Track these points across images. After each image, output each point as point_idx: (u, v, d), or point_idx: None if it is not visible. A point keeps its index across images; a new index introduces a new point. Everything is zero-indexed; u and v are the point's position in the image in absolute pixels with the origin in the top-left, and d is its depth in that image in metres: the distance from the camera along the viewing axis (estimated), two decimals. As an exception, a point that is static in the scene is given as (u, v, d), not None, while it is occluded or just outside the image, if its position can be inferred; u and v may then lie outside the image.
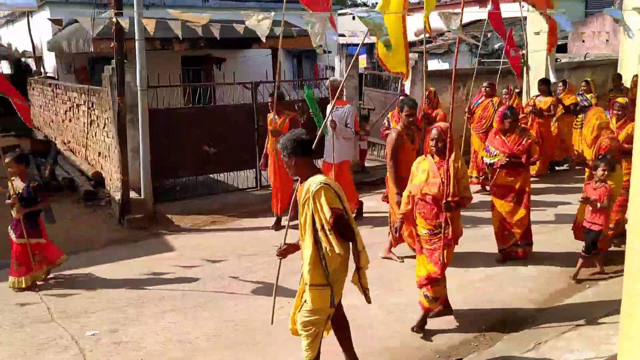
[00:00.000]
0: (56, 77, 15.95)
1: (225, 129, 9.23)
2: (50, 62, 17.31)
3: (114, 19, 7.31)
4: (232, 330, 4.93)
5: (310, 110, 6.81)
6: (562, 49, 18.63)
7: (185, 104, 10.89)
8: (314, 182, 3.67)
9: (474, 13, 19.15)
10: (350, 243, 3.75)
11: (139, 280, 6.11)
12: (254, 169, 9.56)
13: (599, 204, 5.55)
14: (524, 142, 6.09)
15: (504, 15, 10.32)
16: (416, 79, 10.73)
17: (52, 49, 15.71)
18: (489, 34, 18.09)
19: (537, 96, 10.01)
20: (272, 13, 4.80)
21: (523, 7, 10.06)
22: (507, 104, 9.06)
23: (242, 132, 9.34)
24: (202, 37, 12.18)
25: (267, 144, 7.65)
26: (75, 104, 11.48)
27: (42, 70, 17.78)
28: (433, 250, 4.69)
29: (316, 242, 3.67)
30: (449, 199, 4.58)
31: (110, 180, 9.33)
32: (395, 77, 11.46)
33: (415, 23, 21.88)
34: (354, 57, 6.38)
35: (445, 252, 4.63)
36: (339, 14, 20.97)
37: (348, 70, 6.49)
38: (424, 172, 4.74)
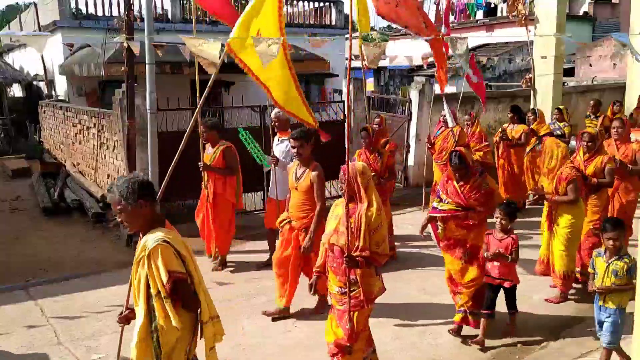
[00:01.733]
0: (67, 100, 16.14)
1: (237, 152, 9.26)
2: (61, 86, 17.53)
3: (125, 44, 7.44)
4: (242, 354, 4.90)
5: (248, 148, 6.60)
6: (570, 72, 18.71)
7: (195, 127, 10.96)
8: (152, 238, 3.08)
9: (480, 38, 19.30)
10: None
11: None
12: (261, 191, 9.58)
13: (509, 258, 4.89)
14: (482, 191, 5.01)
15: (512, 39, 10.39)
16: (423, 103, 10.78)
17: (63, 73, 15.93)
18: (496, 58, 18.19)
19: (508, 124, 9.50)
20: (281, 38, 4.85)
21: (530, 31, 10.14)
22: (470, 132, 8.94)
23: (249, 154, 9.36)
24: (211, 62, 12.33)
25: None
26: (85, 127, 11.60)
27: (53, 93, 18.01)
28: (343, 312, 3.98)
29: (150, 310, 3.08)
30: (356, 253, 3.88)
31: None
32: (403, 101, 11.53)
33: (421, 48, 22.02)
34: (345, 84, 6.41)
35: (355, 315, 3.93)
36: (346, 38, 21.15)
37: (345, 92, 6.52)
38: (336, 218, 4.05)
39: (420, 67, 20.61)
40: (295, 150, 5.44)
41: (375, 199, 3.96)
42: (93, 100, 15.87)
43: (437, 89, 11.20)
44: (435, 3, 27.52)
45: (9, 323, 5.62)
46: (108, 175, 10.21)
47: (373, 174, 6.28)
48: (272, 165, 6.64)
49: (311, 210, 5.40)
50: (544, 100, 10.87)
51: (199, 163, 6.87)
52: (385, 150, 7.04)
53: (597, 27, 23.19)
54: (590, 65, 19.27)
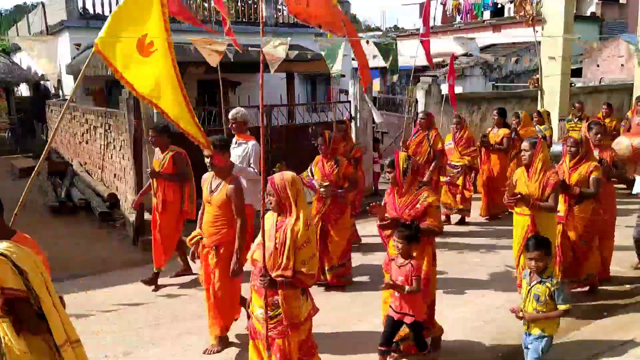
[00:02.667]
0: (74, 100, 16.19)
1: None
2: (68, 85, 17.60)
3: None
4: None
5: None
6: (577, 73, 18.63)
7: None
8: None
9: (487, 37, 19.25)
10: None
11: (153, 302, 6.11)
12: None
13: (406, 288, 4.20)
14: (419, 204, 4.47)
15: (519, 39, 10.35)
16: (430, 103, 10.77)
17: (70, 72, 15.99)
18: (503, 58, 18.15)
19: (492, 128, 9.32)
20: (288, 39, 4.86)
21: (537, 32, 10.11)
22: (458, 136, 8.67)
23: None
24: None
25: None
26: (92, 126, 11.64)
27: (60, 93, 18.09)
28: (263, 335, 3.67)
29: None
30: (278, 271, 3.55)
31: (126, 201, 9.40)
32: (409, 101, 11.50)
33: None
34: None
35: (281, 342, 3.61)
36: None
37: (336, 96, 6.50)
38: (267, 232, 3.68)
39: (426, 68, 20.59)
40: (208, 160, 4.89)
41: (304, 212, 3.61)
42: (100, 99, 15.93)
43: (443, 89, 11.18)
44: (442, 3, 27.51)
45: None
46: (115, 175, 10.23)
47: (326, 184, 6.07)
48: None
49: (225, 227, 4.87)
50: (551, 101, 10.82)
51: (147, 169, 6.48)
52: (342, 159, 6.36)
53: (605, 27, 23.08)
54: (598, 66, 19.18)
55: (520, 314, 4.01)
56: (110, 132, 10.20)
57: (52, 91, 18.69)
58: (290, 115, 11.53)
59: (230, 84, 16.80)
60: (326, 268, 6.22)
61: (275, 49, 4.14)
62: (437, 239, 7.50)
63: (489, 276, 6.57)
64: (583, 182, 5.55)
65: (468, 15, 25.25)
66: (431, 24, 27.89)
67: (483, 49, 20.75)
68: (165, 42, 4.03)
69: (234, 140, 6.46)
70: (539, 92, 10.67)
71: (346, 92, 18.70)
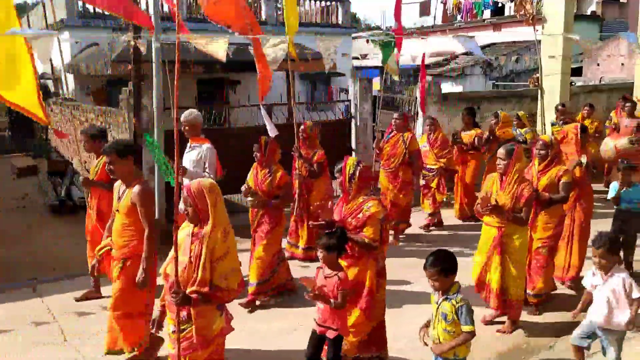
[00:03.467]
0: (74, 99, 16.20)
1: (239, 151, 9.29)
2: (68, 84, 17.60)
3: (132, 42, 7.45)
4: (245, 356, 4.90)
5: (155, 159, 6.03)
6: (577, 72, 18.63)
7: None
8: None
9: (487, 37, 19.25)
10: None
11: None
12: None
13: (332, 302, 3.86)
14: (361, 214, 4.18)
15: (519, 38, 10.32)
16: (430, 102, 10.76)
17: (70, 71, 15.99)
18: (503, 57, 18.14)
19: (462, 128, 9.00)
20: (288, 37, 4.86)
21: (537, 31, 10.09)
22: (432, 138, 8.38)
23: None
24: (217, 61, 12.35)
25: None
26: (92, 125, 11.63)
27: (60, 91, 18.08)
28: (175, 356, 3.45)
29: None
30: (193, 287, 3.32)
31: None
32: (409, 100, 11.51)
33: (428, 47, 21.99)
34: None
35: (187, 358, 3.40)
36: (353, 37, 21.17)
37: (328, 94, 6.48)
38: (181, 244, 3.48)
39: (426, 66, 20.58)
40: (107, 167, 4.57)
41: (222, 222, 3.37)
42: (100, 98, 15.93)
43: (444, 88, 11.18)
44: (442, 2, 27.49)
45: (16, 320, 5.64)
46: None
47: (250, 194, 5.66)
48: (181, 176, 5.64)
49: (134, 238, 4.45)
50: (551, 100, 10.80)
51: (80, 177, 6.13)
52: (278, 167, 5.90)
53: (605, 26, 23.08)
54: (598, 65, 19.19)
55: (424, 341, 3.68)
56: (111, 131, 10.19)
57: (52, 90, 18.67)
58: (290, 114, 11.53)
59: (230, 82, 16.82)
60: (253, 282, 5.79)
61: (275, 48, 4.13)
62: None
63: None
64: (552, 186, 5.36)
65: (468, 14, 25.26)
66: (431, 22, 27.97)
67: (483, 48, 20.75)
68: None
69: (188, 144, 6.16)
70: (539, 91, 10.65)
71: (346, 91, 18.72)
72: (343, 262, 4.13)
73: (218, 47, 4.51)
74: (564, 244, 6.03)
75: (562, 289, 6.01)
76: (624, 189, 6.16)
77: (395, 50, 8.31)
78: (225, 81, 16.68)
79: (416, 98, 10.92)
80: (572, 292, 5.92)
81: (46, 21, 17.74)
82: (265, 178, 5.84)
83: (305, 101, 18.19)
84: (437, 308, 3.58)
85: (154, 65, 7.98)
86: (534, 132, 9.25)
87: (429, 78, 11.56)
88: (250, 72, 16.09)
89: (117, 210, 4.53)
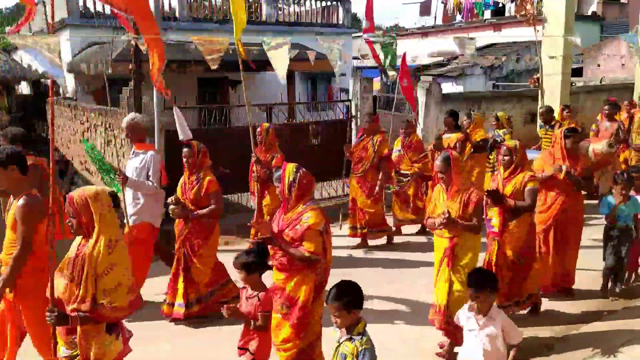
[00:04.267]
0: (74, 98, 16.21)
1: (240, 150, 9.29)
2: (69, 84, 17.61)
3: (133, 42, 7.45)
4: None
5: (97, 167, 5.72)
6: (578, 72, 18.63)
7: (201, 126, 11.02)
8: None
9: (488, 37, 19.26)
10: None
11: (152, 301, 6.10)
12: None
13: (252, 323, 3.67)
14: (298, 225, 3.86)
15: (520, 39, 10.29)
16: (430, 102, 10.77)
17: (71, 71, 15.99)
18: (504, 57, 18.14)
19: (444, 131, 8.67)
20: (289, 38, 4.86)
21: (538, 31, 10.09)
22: (407, 142, 8.04)
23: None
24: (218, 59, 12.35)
25: None
26: (92, 124, 11.64)
27: (60, 91, 18.09)
28: None
29: None
30: (74, 305, 3.07)
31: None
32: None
33: (428, 47, 22.10)
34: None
35: None
36: (354, 37, 21.18)
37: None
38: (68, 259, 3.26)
39: (427, 66, 20.59)
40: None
41: (107, 233, 3.11)
42: (100, 98, 15.92)
43: (445, 88, 11.18)
44: (443, 2, 27.46)
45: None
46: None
47: (173, 204, 5.30)
48: (121, 185, 5.55)
49: None
50: (552, 100, 10.81)
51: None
52: (207, 174, 5.47)
53: (606, 27, 23.09)
54: (599, 65, 19.18)
55: None
56: (111, 131, 10.20)
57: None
58: (290, 114, 11.54)
59: (230, 82, 16.82)
60: (193, 300, 5.51)
61: (278, 51, 4.12)
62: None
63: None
64: (518, 193, 5.05)
65: (469, 14, 25.26)
66: (431, 22, 27.98)
67: (484, 48, 20.76)
68: None
69: (132, 150, 5.91)
70: (540, 91, 10.65)
71: (347, 91, 18.78)
72: (281, 275, 3.92)
73: (219, 47, 4.49)
74: (553, 255, 5.76)
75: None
76: (622, 204, 5.70)
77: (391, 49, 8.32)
78: (226, 81, 16.69)
79: (417, 99, 10.93)
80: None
81: (47, 21, 17.76)
82: (192, 185, 5.44)
83: (306, 101, 18.21)
84: (337, 347, 3.16)
85: (154, 64, 7.98)
86: (512, 133, 9.08)
87: (429, 78, 11.56)
88: (251, 72, 16.14)
89: (7, 225, 4.09)
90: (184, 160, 5.52)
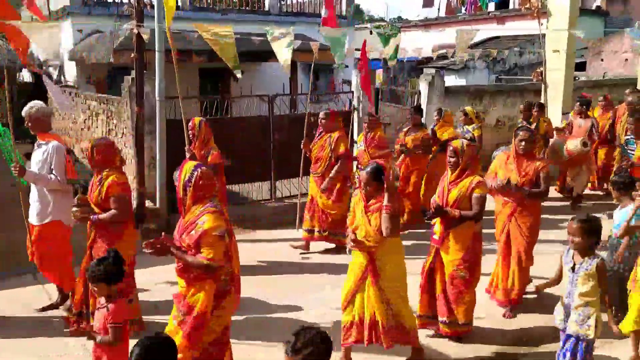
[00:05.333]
0: (76, 86, 16.17)
1: (242, 141, 9.28)
2: (70, 71, 17.55)
3: (135, 31, 7.43)
4: (246, 344, 4.92)
5: (4, 152, 5.41)
6: (581, 67, 18.57)
7: (202, 116, 11.02)
8: None
9: (491, 30, 19.17)
10: None
11: (154, 290, 6.13)
12: (269, 181, 9.59)
13: (98, 338, 3.50)
14: (194, 231, 3.61)
15: (523, 32, 10.22)
16: (433, 96, 10.74)
17: (72, 59, 15.95)
18: (506, 51, 18.08)
19: (408, 129, 8.26)
20: (292, 28, 4.84)
21: (542, 25, 10.06)
22: (369, 137, 7.71)
23: (257, 144, 9.39)
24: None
25: None
26: (94, 113, 11.62)
27: (62, 79, 18.04)
28: None
29: None
30: None
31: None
32: (412, 92, 11.48)
33: (431, 39, 22.01)
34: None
35: None
36: (356, 29, 21.09)
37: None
38: None
39: (430, 59, 20.52)
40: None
41: None
42: (102, 86, 15.89)
43: (448, 81, 11.12)
44: (446, -5, 27.32)
45: (17, 307, 5.66)
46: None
47: (75, 207, 4.88)
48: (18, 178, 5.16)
49: None
50: (555, 95, 10.78)
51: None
52: (109, 174, 4.86)
53: (609, 22, 22.98)
54: (602, 60, 19.11)
55: None
56: (113, 120, 10.19)
57: (55, 77, 18.64)
58: (292, 105, 11.51)
59: (231, 73, 16.75)
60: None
61: (281, 41, 4.11)
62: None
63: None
64: (463, 199, 4.63)
65: (472, 7, 25.15)
66: (435, 15, 27.85)
67: (487, 41, 20.66)
68: None
69: (36, 142, 5.53)
70: (543, 85, 10.62)
71: (349, 83, 18.75)
72: (181, 282, 3.70)
73: (222, 36, 4.48)
74: (505, 265, 5.42)
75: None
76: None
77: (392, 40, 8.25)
78: (227, 71, 16.65)
79: (419, 91, 10.90)
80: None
81: (49, 9, 17.70)
82: (95, 186, 4.86)
83: (308, 92, 18.16)
84: None
85: (156, 54, 7.96)
86: (482, 129, 8.82)
87: (431, 71, 11.52)
88: (253, 62, 16.09)
89: None
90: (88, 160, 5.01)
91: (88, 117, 12.20)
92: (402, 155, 8.22)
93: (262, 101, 9.99)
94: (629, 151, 7.46)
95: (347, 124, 10.10)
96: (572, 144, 8.26)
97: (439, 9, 27.67)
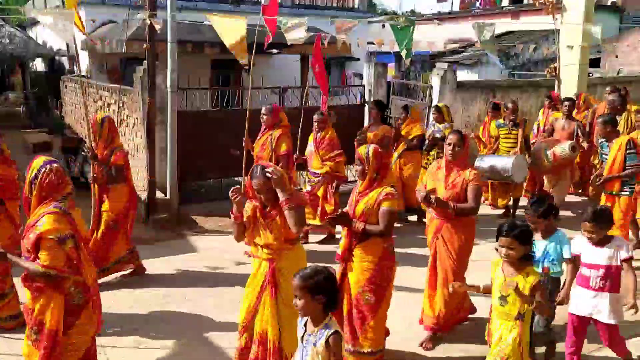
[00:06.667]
0: (89, 76, 16.24)
1: (252, 133, 9.27)
2: (83, 62, 17.63)
3: (148, 21, 7.43)
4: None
5: None
6: (595, 63, 18.38)
7: (214, 107, 11.01)
8: None
9: (506, 24, 19.02)
10: None
11: (162, 280, 6.16)
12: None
13: None
14: (32, 234, 3.35)
15: (538, 27, 10.05)
16: (445, 90, 10.68)
17: (85, 49, 16.01)
18: (521, 46, 17.92)
19: (369, 125, 7.83)
20: (306, 18, 4.82)
21: (557, 19, 9.95)
22: (319, 137, 7.10)
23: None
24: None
25: None
26: (106, 103, 11.67)
27: (75, 68, 18.12)
28: None
29: None
30: None
31: (137, 179, 9.44)
32: (424, 87, 11.42)
33: (444, 33, 21.86)
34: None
35: None
36: (369, 22, 21.00)
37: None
38: None
39: (442, 54, 20.39)
40: None
41: None
42: (114, 76, 15.94)
43: (460, 76, 11.04)
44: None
45: (23, 295, 5.68)
46: (127, 152, 10.26)
47: None
48: None
49: None
50: (568, 90, 10.67)
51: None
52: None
53: (626, 18, 22.73)
54: (617, 56, 18.91)
55: None
56: (124, 110, 10.22)
57: (67, 67, 18.73)
58: (303, 98, 11.48)
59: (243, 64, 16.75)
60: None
61: (295, 30, 4.10)
62: None
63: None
64: (371, 213, 4.08)
65: (487, 1, 24.95)
66: (448, 9, 27.67)
67: (501, 36, 20.49)
68: None
69: None
70: (556, 81, 10.51)
71: (360, 76, 18.72)
72: (28, 294, 3.42)
73: (235, 28, 4.47)
74: (431, 286, 4.81)
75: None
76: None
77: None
78: (239, 63, 16.67)
79: (431, 86, 10.84)
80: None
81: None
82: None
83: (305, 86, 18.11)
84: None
85: (169, 44, 7.96)
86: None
87: (444, 65, 11.45)
88: (264, 54, 16.07)
89: None
90: None
91: (100, 107, 12.25)
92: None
93: (274, 93, 9.98)
94: (603, 155, 6.61)
95: (358, 117, 10.10)
96: (560, 149, 7.54)
97: (452, 3, 27.50)
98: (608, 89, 9.19)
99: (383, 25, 19.25)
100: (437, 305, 4.72)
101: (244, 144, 6.92)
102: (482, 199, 6.66)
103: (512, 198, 8.26)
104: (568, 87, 10.80)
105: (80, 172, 10.77)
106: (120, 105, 10.44)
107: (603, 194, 6.36)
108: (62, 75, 17.65)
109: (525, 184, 8.21)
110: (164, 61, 8.18)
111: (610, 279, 3.99)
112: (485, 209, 7.83)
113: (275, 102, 9.73)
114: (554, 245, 4.22)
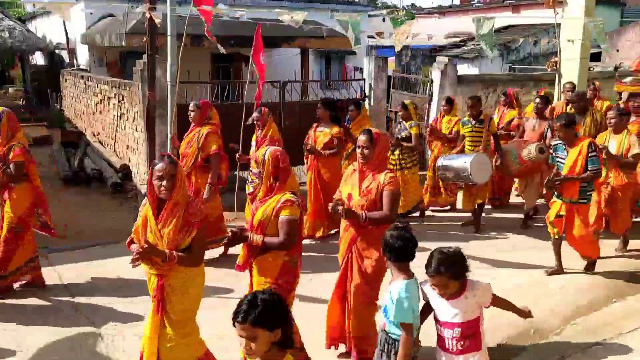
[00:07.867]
0: (88, 70, 16.22)
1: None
2: (83, 55, 17.60)
3: (147, 14, 7.42)
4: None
5: None
6: (596, 57, 18.35)
7: (214, 101, 11.02)
8: None
9: (506, 18, 18.98)
10: None
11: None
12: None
13: None
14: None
15: (538, 21, 10.00)
16: (445, 84, 10.66)
17: (85, 42, 16.00)
18: (522, 40, 17.89)
19: (317, 124, 7.27)
20: (306, 13, 4.81)
21: (557, 13, 9.92)
22: (260, 136, 6.69)
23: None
24: (232, 35, 12.30)
25: None
26: (106, 97, 11.67)
27: (75, 62, 18.09)
28: None
29: None
30: None
31: (138, 173, 9.45)
32: (425, 81, 11.41)
33: (445, 27, 21.83)
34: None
35: None
36: (369, 15, 20.95)
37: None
38: None
39: (443, 47, 20.36)
40: None
41: None
42: (114, 70, 15.93)
43: (460, 70, 11.03)
44: (461, -18, 27.00)
45: (27, 288, 5.71)
46: (127, 146, 10.28)
47: None
48: None
49: None
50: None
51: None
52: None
53: (626, 12, 22.69)
54: (617, 50, 18.87)
55: None
56: (124, 104, 10.23)
57: (67, 60, 18.70)
58: (303, 92, 11.47)
59: (244, 58, 16.72)
60: None
61: (293, 19, 4.09)
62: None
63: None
64: (269, 223, 3.69)
65: (487, -5, 24.90)
66: (449, 2, 27.60)
67: (501, 30, 20.45)
68: None
69: None
70: (557, 75, 10.49)
71: (361, 70, 18.70)
72: None
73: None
74: (337, 302, 4.27)
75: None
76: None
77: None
78: (239, 57, 16.63)
79: (432, 80, 10.82)
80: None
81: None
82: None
83: (320, 79, 18.10)
84: None
85: (168, 38, 7.94)
86: (420, 126, 7.78)
87: (444, 59, 11.43)
88: (265, 48, 16.07)
89: None
90: None
91: (100, 100, 12.25)
92: (310, 155, 7.18)
93: (274, 87, 9.96)
94: (557, 159, 5.93)
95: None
96: (526, 151, 6.95)
97: (453, -3, 27.43)
98: (568, 85, 8.71)
99: (383, 19, 19.21)
100: (346, 325, 4.21)
101: (172, 142, 6.73)
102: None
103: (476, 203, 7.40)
104: (568, 81, 10.79)
105: (80, 166, 10.79)
106: (120, 99, 10.45)
107: (554, 199, 5.89)
108: (61, 69, 17.63)
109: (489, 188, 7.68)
110: (163, 55, 8.17)
111: (470, 337, 3.21)
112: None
113: (275, 96, 9.71)
114: (389, 297, 3.31)
